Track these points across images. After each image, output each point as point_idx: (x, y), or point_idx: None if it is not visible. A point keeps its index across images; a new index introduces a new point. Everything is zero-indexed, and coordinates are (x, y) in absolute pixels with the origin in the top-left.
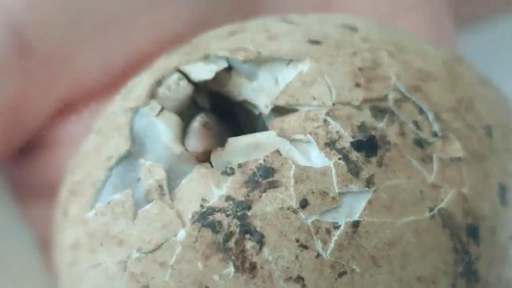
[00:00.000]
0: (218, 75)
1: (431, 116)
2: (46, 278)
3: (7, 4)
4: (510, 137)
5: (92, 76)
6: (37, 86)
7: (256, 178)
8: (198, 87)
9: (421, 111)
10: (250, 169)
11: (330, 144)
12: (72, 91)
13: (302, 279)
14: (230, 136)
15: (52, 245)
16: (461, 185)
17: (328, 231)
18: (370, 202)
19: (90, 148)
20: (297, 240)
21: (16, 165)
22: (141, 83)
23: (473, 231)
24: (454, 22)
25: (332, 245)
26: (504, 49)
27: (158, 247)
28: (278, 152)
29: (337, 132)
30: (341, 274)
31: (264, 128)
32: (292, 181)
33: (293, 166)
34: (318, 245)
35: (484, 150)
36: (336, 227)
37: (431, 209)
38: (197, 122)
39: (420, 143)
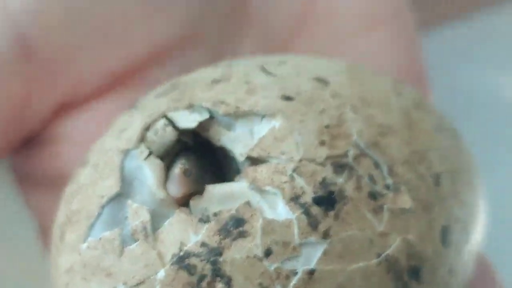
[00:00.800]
0: (201, 123)
1: (385, 170)
2: (44, 262)
3: (11, 9)
4: (458, 182)
5: (92, 78)
6: (39, 87)
7: (228, 227)
8: (183, 131)
9: (376, 165)
10: (223, 218)
11: (295, 199)
12: (73, 92)
13: None
14: (209, 178)
15: (50, 234)
16: (407, 233)
17: (287, 277)
18: (325, 252)
19: (87, 182)
20: (260, 284)
21: (19, 158)
22: (132, 124)
23: (415, 272)
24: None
25: None
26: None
27: (141, 282)
28: (248, 203)
29: (301, 187)
30: None
31: (238, 171)
32: (259, 232)
33: (261, 218)
34: None
35: (431, 198)
36: (295, 273)
37: (378, 255)
38: (177, 169)
39: (374, 195)
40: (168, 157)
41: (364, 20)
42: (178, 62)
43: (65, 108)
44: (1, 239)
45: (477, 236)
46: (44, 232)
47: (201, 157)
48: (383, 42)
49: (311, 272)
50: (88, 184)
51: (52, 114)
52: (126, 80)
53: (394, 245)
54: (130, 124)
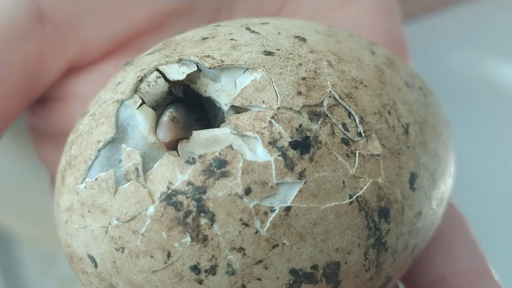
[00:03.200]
0: (189, 75)
1: (357, 119)
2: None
3: None
4: (424, 132)
5: (97, 43)
6: (51, 49)
7: (211, 168)
8: (173, 83)
9: (349, 114)
10: (208, 160)
11: (273, 143)
12: (81, 55)
13: (244, 249)
14: (195, 125)
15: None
16: (378, 176)
17: (266, 213)
18: (300, 191)
19: (85, 130)
20: (241, 220)
21: (33, 114)
22: (127, 78)
23: (384, 213)
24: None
25: (268, 224)
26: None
27: (132, 218)
28: (231, 146)
29: (279, 133)
30: (274, 246)
31: (223, 119)
32: (240, 172)
33: (242, 159)
34: (257, 224)
35: (400, 146)
36: (272, 210)
37: (350, 196)
38: (166, 117)
39: (346, 141)
40: (159, 108)
41: None
42: (175, 28)
43: (74, 69)
44: (19, 187)
45: (446, 184)
46: (54, 180)
47: (189, 108)
48: (363, 14)
49: (287, 209)
50: (86, 132)
51: (62, 75)
52: (128, 45)
53: (365, 187)
54: (125, 78)
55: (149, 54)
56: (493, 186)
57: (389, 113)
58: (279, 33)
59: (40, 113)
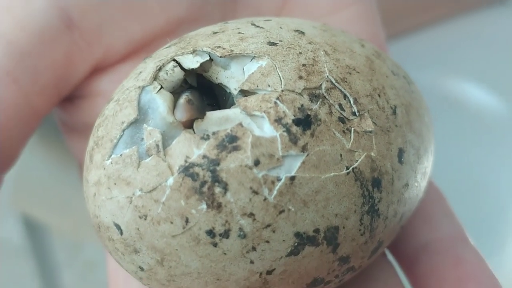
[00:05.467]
0: (202, 64)
1: (352, 100)
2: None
3: None
4: (410, 114)
5: (118, 46)
6: (78, 52)
7: (224, 143)
8: (188, 71)
9: (345, 96)
10: (220, 136)
11: (278, 120)
12: (104, 57)
13: (254, 215)
14: (208, 109)
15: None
16: (370, 150)
17: (273, 182)
18: (303, 162)
19: (110, 113)
20: (251, 188)
21: (63, 110)
22: (147, 68)
23: (377, 183)
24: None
25: (275, 192)
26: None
27: (154, 188)
28: (241, 124)
29: (284, 112)
30: (281, 212)
31: (233, 103)
32: (250, 146)
33: (251, 135)
34: (265, 192)
35: (389, 125)
36: (279, 179)
37: (347, 168)
38: (182, 99)
39: (342, 120)
40: (176, 94)
41: (333, 2)
42: (186, 33)
43: (98, 70)
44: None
45: (428, 160)
46: (82, 168)
47: (202, 95)
48: (350, 19)
49: (292, 178)
50: (112, 115)
51: (88, 75)
52: (145, 48)
53: (360, 160)
54: (145, 68)
55: (166, 47)
56: (450, 187)
57: (379, 96)
58: (280, 27)
59: (69, 109)
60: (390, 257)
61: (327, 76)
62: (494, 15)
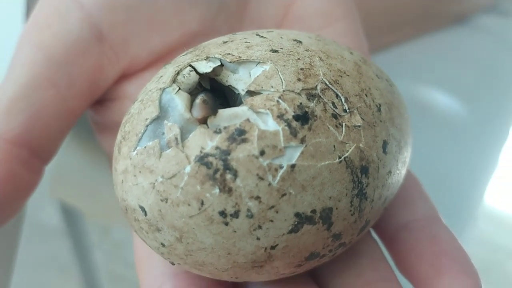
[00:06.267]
0: (214, 69)
1: (343, 99)
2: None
3: (86, 7)
4: (392, 111)
5: (142, 56)
6: (108, 61)
7: (234, 136)
8: (202, 75)
9: (337, 96)
10: (231, 130)
11: (280, 116)
12: (129, 65)
13: (260, 197)
14: (220, 107)
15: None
16: (359, 142)
17: (276, 169)
18: (302, 152)
19: (135, 111)
20: (257, 174)
21: (94, 111)
22: (167, 72)
23: (365, 170)
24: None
25: (278, 178)
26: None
27: (174, 175)
28: (248, 120)
29: (285, 109)
30: (283, 195)
31: (241, 102)
32: (256, 138)
33: (257, 129)
34: (270, 178)
35: (375, 120)
36: (281, 167)
37: (340, 157)
38: (198, 99)
39: (335, 116)
40: (192, 95)
41: (325, 18)
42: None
43: (125, 76)
44: (85, 170)
45: (407, 151)
46: (112, 162)
47: (215, 96)
48: (339, 33)
49: (292, 166)
50: (137, 113)
51: (116, 81)
52: (164, 58)
53: (350, 150)
54: (165, 72)
55: (183, 55)
56: (421, 178)
57: (366, 95)
58: (281, 37)
59: (99, 110)
60: (374, 235)
61: (322, 79)
62: (457, 33)
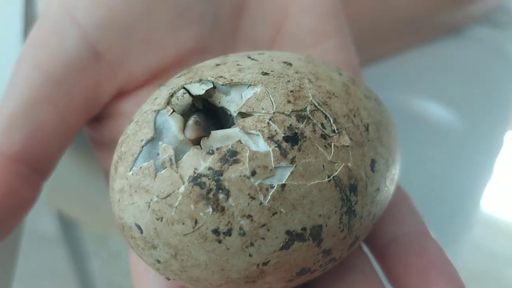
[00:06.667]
0: (207, 91)
1: (332, 120)
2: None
3: (83, 26)
4: (380, 130)
5: (138, 74)
6: (104, 79)
7: (226, 157)
8: (196, 97)
9: (326, 117)
10: (223, 151)
11: (271, 138)
12: (126, 83)
13: (251, 216)
14: (213, 128)
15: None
16: (348, 161)
17: (267, 189)
18: (292, 172)
19: (131, 132)
20: (249, 194)
21: (91, 128)
22: (161, 94)
23: (353, 188)
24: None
25: (269, 197)
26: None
27: (168, 195)
28: (240, 141)
29: (275, 130)
30: (274, 214)
31: (233, 123)
32: (247, 159)
33: (248, 150)
34: (261, 197)
35: (363, 140)
36: (272, 187)
37: (329, 176)
38: (191, 121)
39: (324, 136)
40: (185, 116)
41: (316, 36)
42: (194, 63)
43: (121, 94)
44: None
45: (395, 168)
46: (108, 176)
47: (207, 117)
48: (330, 50)
49: (283, 186)
50: (132, 134)
51: (113, 98)
52: (160, 75)
53: (339, 169)
54: (160, 94)
55: (177, 77)
56: (414, 189)
57: (354, 116)
58: (272, 60)
59: (96, 127)
60: (365, 249)
61: (311, 100)
62: (450, 44)
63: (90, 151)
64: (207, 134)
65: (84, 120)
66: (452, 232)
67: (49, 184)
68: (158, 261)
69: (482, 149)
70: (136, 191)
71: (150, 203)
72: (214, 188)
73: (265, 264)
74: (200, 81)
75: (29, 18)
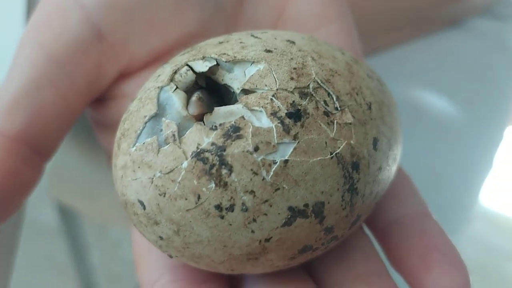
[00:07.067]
0: (210, 68)
1: (334, 98)
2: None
3: (87, 6)
4: (382, 110)
5: (140, 56)
6: (107, 60)
7: (229, 133)
8: (199, 74)
9: (329, 94)
10: (226, 127)
11: (274, 114)
12: (128, 64)
13: (254, 192)
14: (216, 105)
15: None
16: (350, 139)
17: (270, 165)
18: (295, 148)
19: (134, 109)
20: (252, 170)
21: (94, 109)
22: (165, 72)
23: (356, 166)
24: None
25: (271, 173)
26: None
27: (171, 170)
28: (243, 117)
29: (278, 107)
30: (276, 190)
31: (236, 100)
32: (250, 135)
33: (251, 126)
34: (264, 173)
35: (366, 118)
36: (275, 162)
37: (331, 153)
38: (194, 97)
39: (327, 113)
40: (189, 93)
41: (318, 20)
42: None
43: (124, 75)
44: (83, 172)
45: (397, 148)
46: (110, 159)
47: (211, 94)
48: (332, 33)
49: (285, 162)
50: (136, 110)
51: (115, 79)
52: (163, 57)
53: (341, 147)
54: (163, 71)
55: (181, 55)
56: (415, 179)
57: (357, 94)
58: (275, 38)
59: (99, 108)
60: (366, 229)
61: (314, 78)
62: (452, 36)
63: (91, 140)
64: (210, 110)
65: (86, 102)
66: (451, 226)
67: (49, 174)
68: (161, 238)
69: (482, 142)
70: (139, 167)
71: (153, 178)
72: (217, 163)
73: (267, 240)
74: (203, 58)
75: None
